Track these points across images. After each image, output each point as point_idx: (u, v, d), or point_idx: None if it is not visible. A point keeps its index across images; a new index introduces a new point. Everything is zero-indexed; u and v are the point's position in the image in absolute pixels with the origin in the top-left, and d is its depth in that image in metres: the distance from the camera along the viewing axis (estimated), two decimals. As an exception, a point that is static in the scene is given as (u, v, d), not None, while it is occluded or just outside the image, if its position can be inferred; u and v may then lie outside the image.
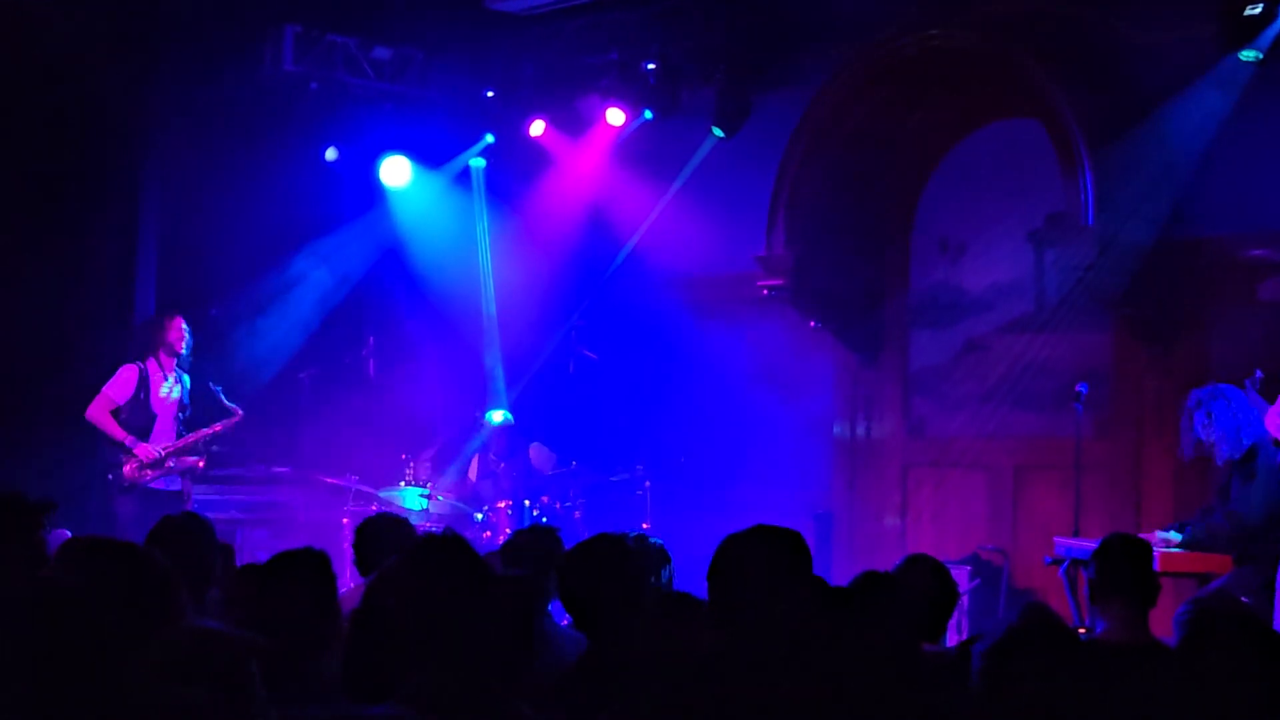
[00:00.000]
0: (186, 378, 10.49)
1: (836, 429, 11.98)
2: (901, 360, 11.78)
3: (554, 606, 5.92)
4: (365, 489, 11.31)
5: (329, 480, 11.43)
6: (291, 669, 3.86)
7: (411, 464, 11.69)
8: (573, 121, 12.62)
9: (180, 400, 10.40)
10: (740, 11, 11.72)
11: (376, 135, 12.69)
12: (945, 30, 10.65)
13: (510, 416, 12.16)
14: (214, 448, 11.14)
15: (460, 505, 11.45)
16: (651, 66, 11.76)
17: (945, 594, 5.35)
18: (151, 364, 10.34)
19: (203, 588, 5.18)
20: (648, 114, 11.93)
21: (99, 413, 10.21)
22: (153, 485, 10.21)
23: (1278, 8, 9.09)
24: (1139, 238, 9.81)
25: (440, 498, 11.39)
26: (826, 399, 12.02)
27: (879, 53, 11.06)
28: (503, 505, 11.20)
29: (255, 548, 10.77)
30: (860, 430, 11.92)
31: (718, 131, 11.72)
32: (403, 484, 11.44)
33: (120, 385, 10.26)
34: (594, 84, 12.20)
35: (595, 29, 12.35)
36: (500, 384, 12.88)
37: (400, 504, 11.08)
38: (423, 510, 11.16)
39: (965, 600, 9.91)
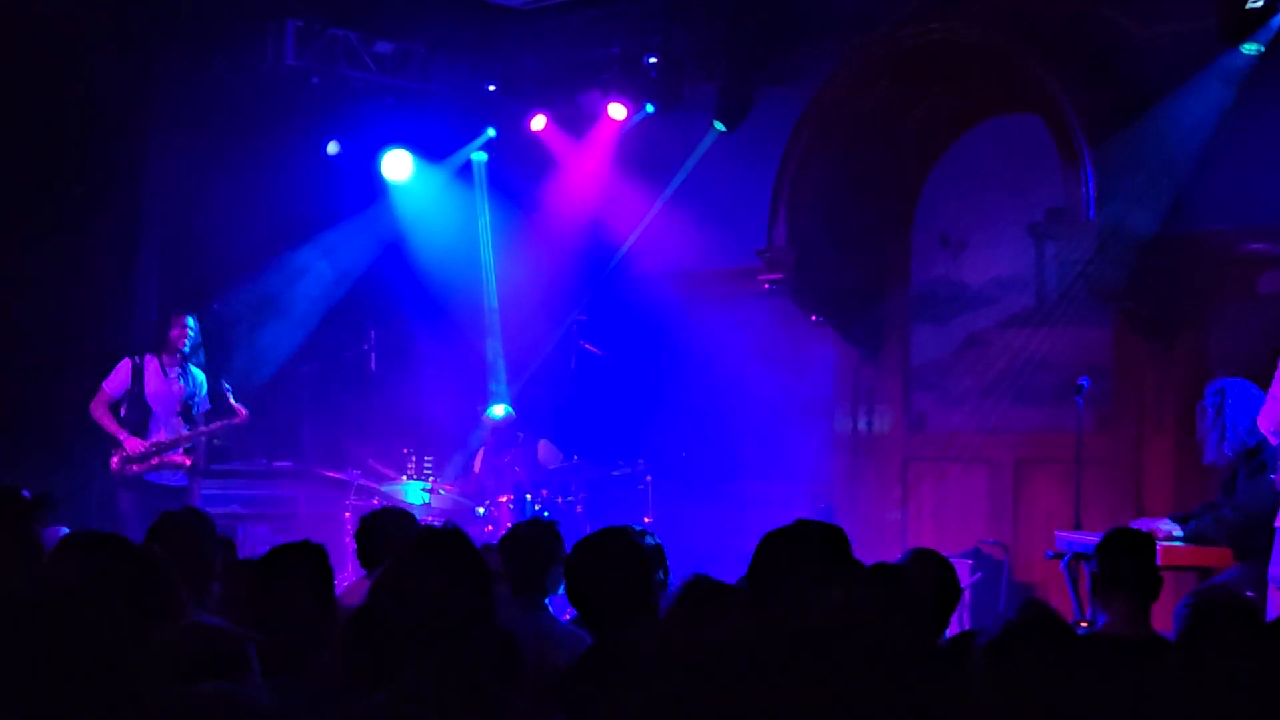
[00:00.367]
0: (200, 374, 10.50)
1: (837, 423, 11.99)
2: (902, 355, 11.78)
3: (552, 602, 5.93)
4: (367, 483, 11.32)
5: (331, 474, 11.45)
6: (288, 662, 3.87)
7: (413, 458, 11.70)
8: (575, 116, 12.62)
9: (185, 396, 10.39)
10: (742, 6, 11.73)
11: (378, 129, 12.69)
12: (946, 24, 10.65)
13: (512, 411, 12.16)
14: (216, 441, 11.16)
15: (462, 499, 11.45)
16: (653, 60, 11.76)
17: (949, 588, 5.36)
18: (150, 360, 10.35)
19: (204, 583, 5.18)
20: (650, 108, 11.93)
21: (95, 407, 10.29)
22: (155, 480, 10.23)
23: (1278, 1, 9.08)
24: (1140, 232, 9.81)
25: (442, 492, 11.40)
26: (827, 393, 12.02)
27: (880, 47, 11.06)
28: (504, 499, 11.21)
29: (257, 543, 10.78)
30: (861, 425, 11.93)
31: (719, 126, 11.72)
32: (405, 478, 11.44)
33: (114, 380, 10.32)
34: (596, 78, 12.19)
35: (597, 23, 12.36)
36: (502, 378, 12.89)
37: (402, 498, 11.09)
38: (425, 504, 11.17)
39: (966, 594, 9.91)
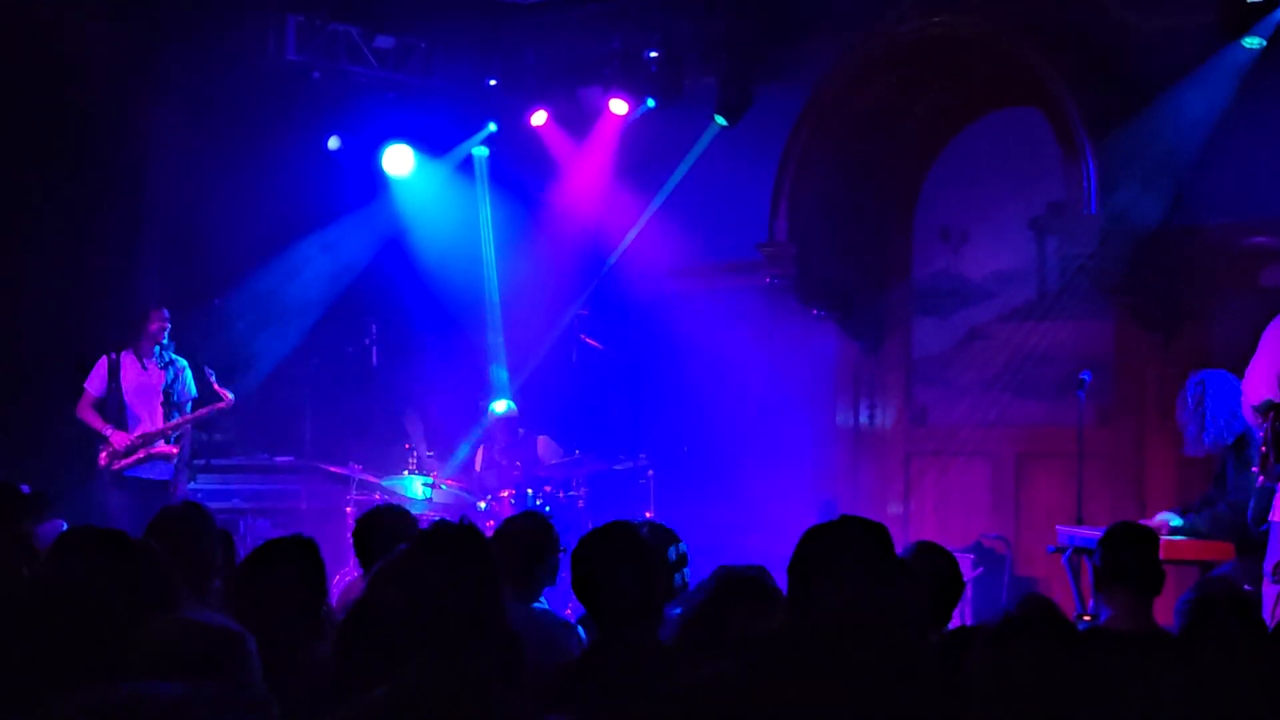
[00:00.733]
0: (183, 360, 10.50)
1: (839, 417, 11.98)
2: (904, 348, 11.78)
3: (549, 595, 5.93)
4: (368, 478, 11.30)
5: (332, 469, 11.43)
6: (280, 656, 3.86)
7: (415, 452, 11.69)
8: (575, 110, 12.61)
9: (166, 387, 10.39)
10: (743, 0, 11.72)
11: (379, 124, 12.67)
12: (947, 19, 10.66)
13: (514, 405, 12.15)
14: (217, 436, 11.16)
15: (464, 494, 11.45)
16: (654, 55, 11.75)
17: (953, 581, 5.35)
18: (127, 355, 10.37)
19: (204, 579, 5.17)
20: (650, 102, 11.93)
21: (81, 408, 10.37)
22: (139, 475, 10.25)
23: (1279, -5, 9.08)
24: (1141, 225, 9.81)
25: (444, 487, 11.39)
26: (829, 387, 12.01)
27: (881, 40, 11.07)
28: (506, 494, 11.19)
29: (258, 537, 10.77)
30: (863, 418, 11.93)
31: (720, 120, 11.71)
32: (406, 473, 11.44)
33: (94, 379, 10.38)
34: (597, 72, 12.18)
35: (598, 17, 12.36)
36: (503, 373, 12.88)
37: (403, 493, 11.09)
38: (426, 499, 11.16)
39: (968, 588, 9.91)
